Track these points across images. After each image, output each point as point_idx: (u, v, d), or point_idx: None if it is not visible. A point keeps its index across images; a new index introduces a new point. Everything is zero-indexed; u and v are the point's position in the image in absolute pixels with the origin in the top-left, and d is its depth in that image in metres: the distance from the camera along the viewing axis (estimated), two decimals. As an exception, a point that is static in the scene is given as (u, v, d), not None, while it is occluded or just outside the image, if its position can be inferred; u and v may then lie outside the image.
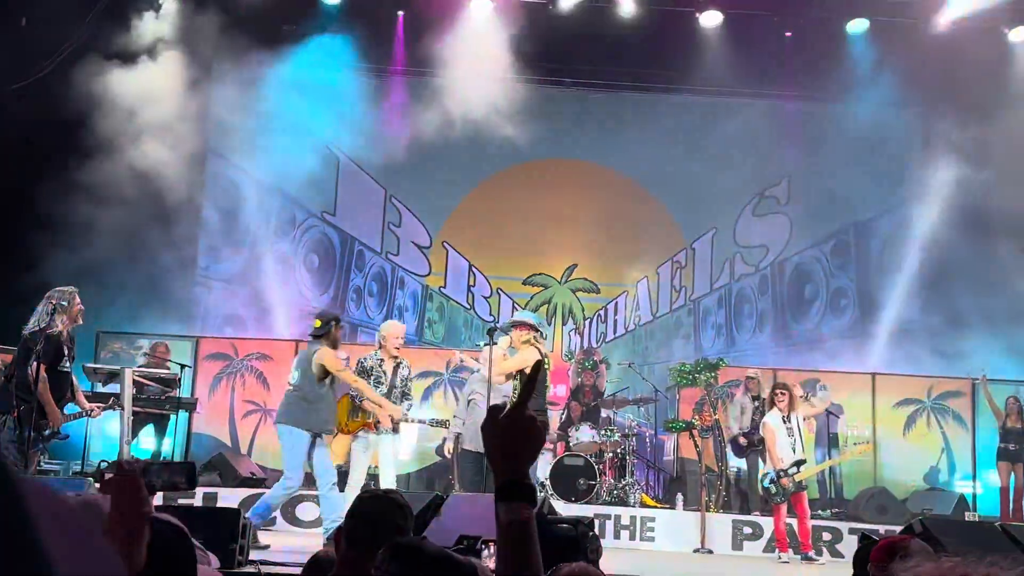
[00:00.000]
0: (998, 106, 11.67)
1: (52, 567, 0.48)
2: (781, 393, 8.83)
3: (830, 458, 10.59)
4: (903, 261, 12.64)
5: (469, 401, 8.40)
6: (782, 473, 8.53)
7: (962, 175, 11.77)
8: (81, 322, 7.06)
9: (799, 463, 8.59)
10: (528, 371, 6.99)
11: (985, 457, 11.32)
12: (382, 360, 7.70)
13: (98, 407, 7.44)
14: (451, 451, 9.36)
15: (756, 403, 10.40)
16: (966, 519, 9.78)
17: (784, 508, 8.65)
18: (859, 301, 13.39)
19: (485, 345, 8.14)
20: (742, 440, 10.41)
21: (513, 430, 1.45)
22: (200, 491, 9.07)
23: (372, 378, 7.61)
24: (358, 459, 7.63)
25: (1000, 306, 11.69)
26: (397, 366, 7.72)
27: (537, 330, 7.44)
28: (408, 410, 7.78)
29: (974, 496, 11.25)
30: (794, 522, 8.72)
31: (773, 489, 8.62)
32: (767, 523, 9.21)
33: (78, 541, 0.54)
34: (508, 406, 1.50)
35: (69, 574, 0.50)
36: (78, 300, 6.94)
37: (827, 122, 13.04)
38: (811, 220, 13.43)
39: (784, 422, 8.71)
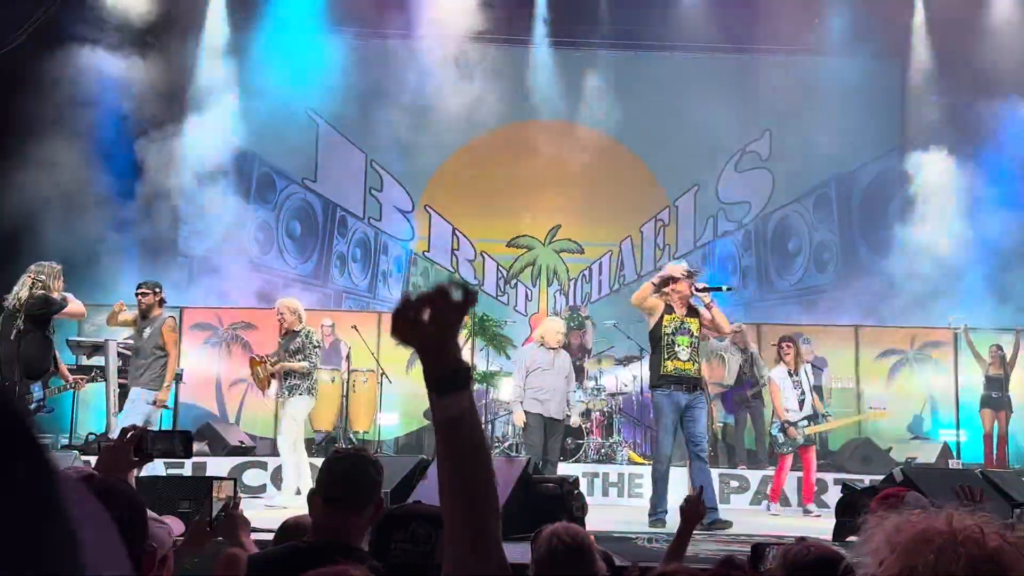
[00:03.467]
0: (973, 53, 11.66)
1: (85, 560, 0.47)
2: (787, 346, 8.79)
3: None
4: (885, 213, 12.67)
5: (530, 371, 8.27)
6: (788, 424, 8.53)
7: (941, 125, 11.77)
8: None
9: (811, 417, 8.61)
10: None
11: (967, 406, 11.45)
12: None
13: (82, 379, 7.44)
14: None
15: (744, 355, 10.46)
16: (949, 467, 9.91)
17: (789, 460, 8.67)
18: (842, 254, 13.44)
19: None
20: (736, 397, 10.48)
21: (431, 308, 1.23)
22: (189, 460, 9.11)
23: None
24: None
25: (980, 255, 11.77)
26: (287, 335, 8.44)
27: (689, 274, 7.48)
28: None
29: (958, 444, 11.38)
30: (798, 476, 8.81)
31: (781, 439, 8.63)
32: (754, 476, 9.32)
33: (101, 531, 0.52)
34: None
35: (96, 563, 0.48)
36: (60, 275, 6.89)
37: (807, 75, 12.98)
38: (793, 174, 13.42)
39: (790, 375, 8.69)
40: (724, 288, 7.74)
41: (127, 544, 1.61)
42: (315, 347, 8.47)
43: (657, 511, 7.30)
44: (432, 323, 1.24)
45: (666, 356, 7.29)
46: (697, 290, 7.35)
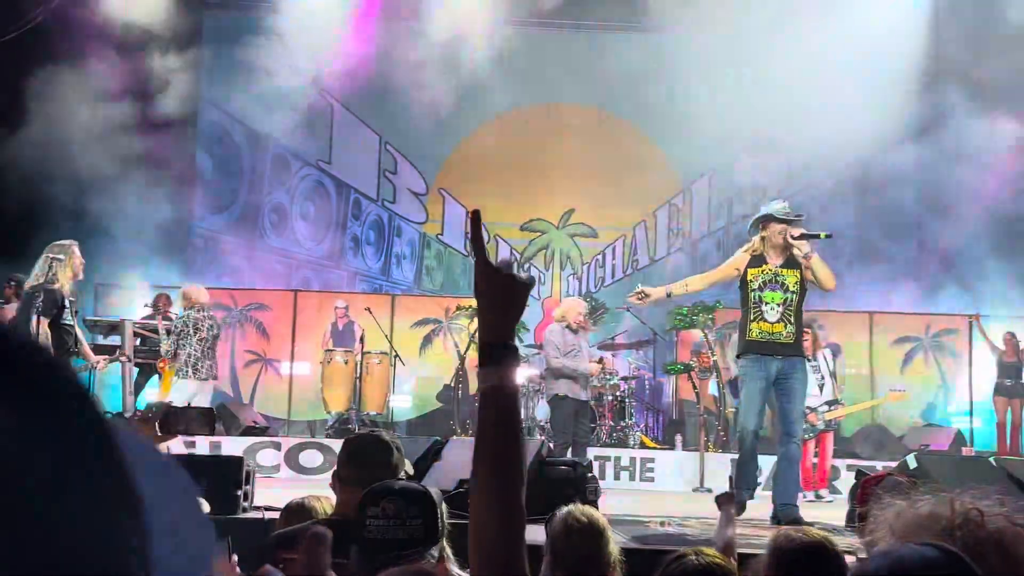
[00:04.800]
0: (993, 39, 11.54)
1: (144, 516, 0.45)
2: (805, 332, 8.72)
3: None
4: (901, 199, 12.56)
5: (567, 352, 8.28)
6: (809, 409, 8.47)
7: (960, 110, 11.66)
8: (82, 276, 7.03)
9: (831, 403, 8.57)
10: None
11: (981, 393, 11.40)
12: None
13: (104, 359, 7.50)
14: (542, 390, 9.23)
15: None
16: (962, 454, 9.87)
17: (812, 446, 8.62)
18: (857, 240, 13.35)
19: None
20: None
21: (507, 285, 1.34)
22: (205, 440, 9.18)
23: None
24: None
25: (995, 242, 11.68)
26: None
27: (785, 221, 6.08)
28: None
29: (971, 432, 11.35)
30: (812, 461, 8.77)
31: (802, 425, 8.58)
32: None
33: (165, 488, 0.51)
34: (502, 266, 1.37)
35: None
36: (77, 253, 6.89)
37: (825, 58, 12.83)
38: (809, 159, 13.30)
39: (809, 361, 8.63)
40: (823, 235, 6.14)
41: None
42: (187, 331, 8.51)
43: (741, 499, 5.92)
44: (507, 288, 1.33)
45: (751, 317, 6.02)
46: (793, 238, 5.97)
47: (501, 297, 1.35)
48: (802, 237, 5.98)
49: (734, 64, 12.73)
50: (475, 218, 1.42)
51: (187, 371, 8.30)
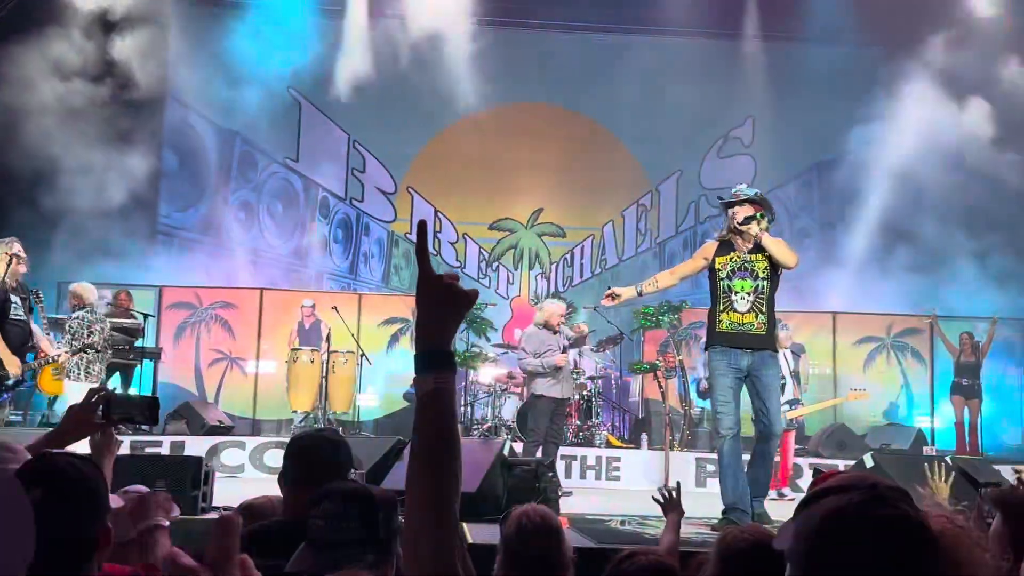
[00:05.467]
0: (959, 39, 11.69)
1: None
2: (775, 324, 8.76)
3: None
4: (864, 201, 12.70)
5: (540, 354, 8.29)
6: None
7: (924, 112, 11.80)
8: (23, 270, 6.89)
9: (792, 402, 8.63)
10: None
11: (942, 392, 11.55)
12: None
13: (65, 352, 7.40)
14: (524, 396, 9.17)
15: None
16: (923, 453, 9.99)
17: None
18: (821, 240, 13.50)
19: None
20: (703, 385, 10.50)
21: (447, 296, 1.37)
22: (167, 439, 9.12)
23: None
24: None
25: (960, 244, 11.85)
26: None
27: (763, 204, 5.80)
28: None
29: (932, 431, 11.50)
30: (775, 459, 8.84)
31: None
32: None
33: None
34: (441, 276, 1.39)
35: None
36: (17, 249, 6.78)
37: (791, 61, 12.99)
38: (775, 160, 13.44)
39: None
40: (759, 216, 5.76)
41: (76, 521, 1.60)
42: (81, 331, 7.98)
43: (727, 510, 5.62)
44: (448, 298, 1.37)
45: (721, 308, 5.71)
46: (738, 224, 5.72)
47: (442, 307, 1.38)
48: (745, 222, 5.70)
49: (702, 65, 12.82)
50: (421, 229, 1.43)
51: (79, 373, 7.94)
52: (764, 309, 5.67)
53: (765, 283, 5.69)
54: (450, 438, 1.34)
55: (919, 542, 1.12)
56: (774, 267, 5.71)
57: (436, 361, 1.36)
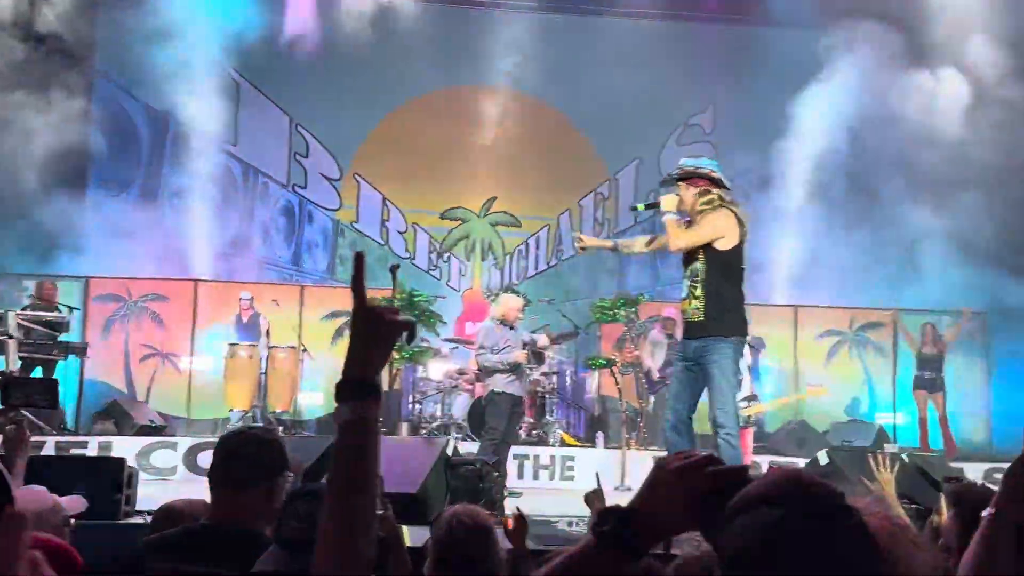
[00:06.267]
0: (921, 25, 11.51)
1: None
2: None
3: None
4: (826, 191, 12.45)
5: (502, 349, 7.84)
6: None
7: (885, 102, 11.60)
8: None
9: (748, 398, 8.37)
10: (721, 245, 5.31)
11: (905, 388, 11.37)
12: None
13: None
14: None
15: (671, 340, 10.16)
16: (885, 450, 9.75)
17: None
18: (779, 228, 13.21)
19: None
20: (655, 375, 10.16)
21: (380, 329, 1.39)
22: (95, 440, 8.82)
23: None
24: None
25: (924, 236, 11.66)
26: None
27: (722, 184, 5.57)
28: None
29: (895, 427, 11.31)
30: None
31: None
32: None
33: None
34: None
35: None
36: None
37: (751, 47, 12.72)
38: (736, 149, 13.11)
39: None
40: (640, 207, 6.13)
41: None
42: None
43: None
44: (380, 332, 1.40)
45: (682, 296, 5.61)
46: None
47: (374, 338, 1.39)
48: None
49: (662, 50, 12.50)
50: (358, 260, 1.46)
51: None
52: (699, 293, 5.40)
53: (701, 266, 5.40)
54: (368, 466, 1.36)
55: (853, 545, 1.11)
56: (711, 250, 5.38)
57: (357, 391, 1.37)
